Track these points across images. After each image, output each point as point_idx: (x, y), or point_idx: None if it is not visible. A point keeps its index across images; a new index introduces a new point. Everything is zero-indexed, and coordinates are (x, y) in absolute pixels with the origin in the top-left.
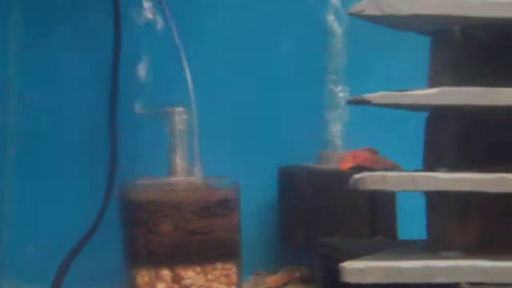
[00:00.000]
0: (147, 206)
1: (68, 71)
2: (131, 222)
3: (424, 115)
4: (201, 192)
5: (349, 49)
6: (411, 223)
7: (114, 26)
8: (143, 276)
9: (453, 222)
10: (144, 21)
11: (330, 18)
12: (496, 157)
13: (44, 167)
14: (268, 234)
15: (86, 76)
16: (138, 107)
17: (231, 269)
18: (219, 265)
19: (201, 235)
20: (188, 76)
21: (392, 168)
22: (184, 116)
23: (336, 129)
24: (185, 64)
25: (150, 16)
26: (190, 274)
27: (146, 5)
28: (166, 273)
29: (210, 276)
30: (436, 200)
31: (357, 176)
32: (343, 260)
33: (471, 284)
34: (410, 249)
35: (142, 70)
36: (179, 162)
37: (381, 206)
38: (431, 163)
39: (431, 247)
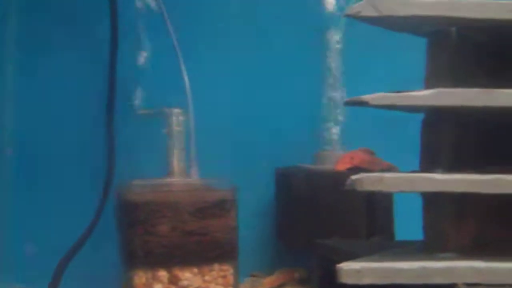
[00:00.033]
0: (144, 207)
1: (65, 71)
2: (128, 223)
3: (420, 116)
4: (198, 193)
5: (346, 50)
6: (409, 224)
7: (111, 25)
8: (140, 277)
9: (449, 223)
10: (141, 21)
11: (328, 17)
12: (492, 158)
13: (41, 168)
14: (265, 235)
15: (83, 76)
16: (135, 108)
17: (228, 270)
18: (216, 266)
19: (198, 236)
20: (186, 77)
21: (389, 169)
22: (182, 117)
23: (333, 130)
24: (182, 65)
25: (147, 15)
26: (187, 275)
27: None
28: (163, 274)
29: (207, 277)
30: (433, 201)
31: (354, 177)
32: (340, 261)
33: (468, 284)
34: (407, 250)
35: (139, 70)
36: (177, 163)
37: (378, 207)
38: (427, 164)
39: (427, 248)
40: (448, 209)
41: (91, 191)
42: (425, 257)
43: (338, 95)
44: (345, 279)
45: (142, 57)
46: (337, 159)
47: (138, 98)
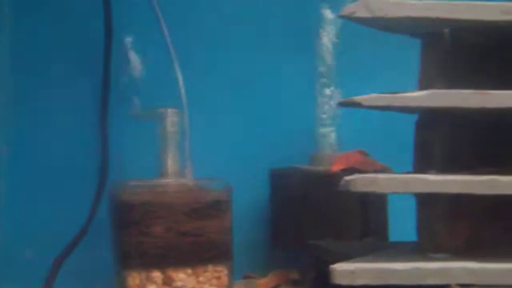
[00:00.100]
0: (139, 208)
1: (60, 70)
2: (122, 224)
3: (414, 116)
4: (193, 193)
5: (340, 51)
6: (403, 225)
7: (104, 25)
8: (134, 278)
9: (443, 224)
10: (135, 22)
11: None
12: (486, 159)
13: (35, 168)
14: (259, 236)
15: (78, 76)
16: (129, 109)
17: (222, 271)
18: (210, 267)
19: (193, 236)
20: (180, 77)
21: (383, 170)
22: (176, 118)
23: (328, 131)
24: (176, 65)
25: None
26: (181, 276)
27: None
28: (157, 275)
29: (201, 278)
30: (426, 202)
31: (348, 178)
32: (334, 262)
33: (461, 285)
34: (401, 251)
35: (134, 71)
36: (171, 163)
37: (372, 208)
38: (421, 165)
39: (421, 248)
40: (442, 210)
41: (85, 192)
42: (419, 258)
43: (334, 96)
44: (338, 280)
45: (137, 58)
46: (332, 160)
47: (132, 99)
